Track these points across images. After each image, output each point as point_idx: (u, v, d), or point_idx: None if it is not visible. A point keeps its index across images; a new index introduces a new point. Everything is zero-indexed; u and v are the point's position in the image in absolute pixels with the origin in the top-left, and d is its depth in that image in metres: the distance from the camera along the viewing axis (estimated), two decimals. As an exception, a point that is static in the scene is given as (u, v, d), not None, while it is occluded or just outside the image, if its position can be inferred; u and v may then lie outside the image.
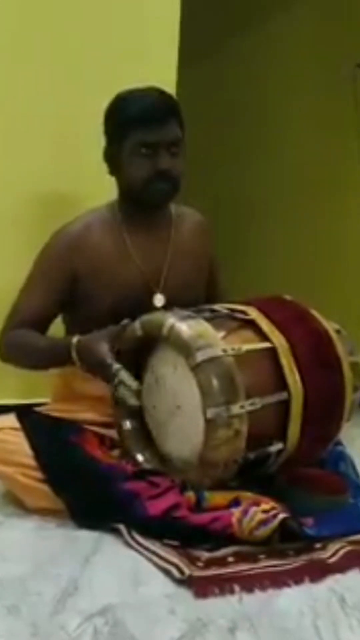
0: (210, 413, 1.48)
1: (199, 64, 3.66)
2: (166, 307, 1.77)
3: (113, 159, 1.81)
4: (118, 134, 1.78)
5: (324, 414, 1.62)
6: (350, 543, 1.48)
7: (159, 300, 1.82)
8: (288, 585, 1.34)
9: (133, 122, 1.74)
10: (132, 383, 1.62)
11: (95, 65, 2.16)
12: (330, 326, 1.69)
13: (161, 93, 1.79)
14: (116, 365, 1.63)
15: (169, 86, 2.14)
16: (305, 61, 3.37)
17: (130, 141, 1.76)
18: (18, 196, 2.16)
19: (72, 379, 1.82)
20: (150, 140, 1.74)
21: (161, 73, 2.13)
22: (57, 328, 1.91)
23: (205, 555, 1.44)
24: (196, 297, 1.86)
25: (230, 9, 3.58)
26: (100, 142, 1.82)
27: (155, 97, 1.77)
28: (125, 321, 1.69)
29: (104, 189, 1.88)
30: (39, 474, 1.63)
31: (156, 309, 1.78)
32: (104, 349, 1.66)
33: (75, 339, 1.70)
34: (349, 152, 3.14)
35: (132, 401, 1.62)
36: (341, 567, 1.40)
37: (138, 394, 1.63)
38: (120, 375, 1.62)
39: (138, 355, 1.70)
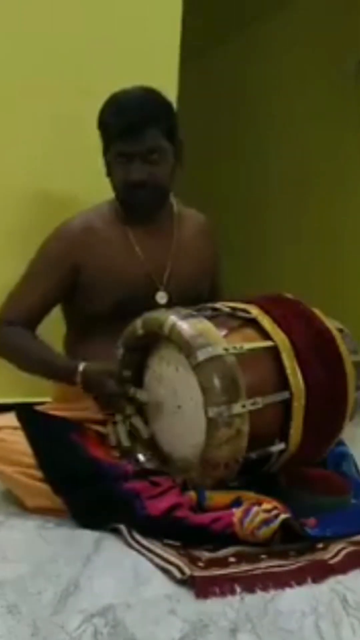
0: (212, 412, 1.47)
1: (202, 61, 3.66)
2: (169, 304, 1.77)
3: (105, 162, 1.82)
4: (103, 141, 1.80)
5: (326, 413, 1.62)
6: (352, 543, 1.47)
7: (161, 297, 1.82)
8: (290, 585, 1.33)
9: (111, 132, 1.76)
10: (144, 431, 1.67)
11: (96, 64, 2.15)
12: (332, 324, 1.69)
13: (146, 98, 1.77)
14: (129, 411, 1.67)
15: (170, 84, 2.14)
16: (309, 57, 3.38)
17: (111, 150, 1.78)
18: (15, 197, 2.15)
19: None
20: (123, 151, 1.75)
21: (162, 71, 2.13)
22: (57, 328, 1.90)
23: (206, 555, 1.43)
24: (199, 295, 1.86)
25: (233, 4, 3.58)
26: (96, 142, 1.82)
27: (135, 105, 1.74)
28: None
29: (102, 190, 1.87)
30: (39, 473, 1.62)
31: (158, 306, 1.78)
32: (113, 386, 1.66)
33: (81, 367, 1.69)
34: (353, 147, 3.14)
35: (145, 433, 1.68)
36: (343, 567, 1.39)
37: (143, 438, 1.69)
38: (133, 420, 1.67)
39: (139, 354, 1.69)
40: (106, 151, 1.80)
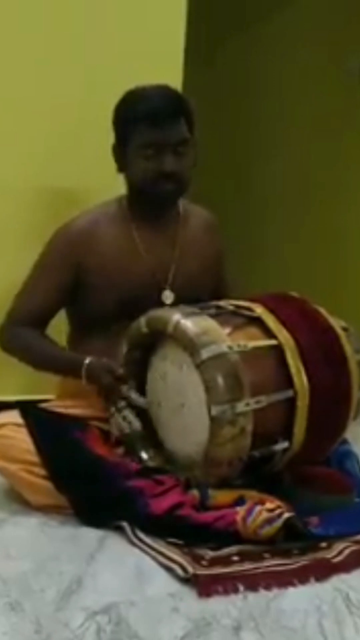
0: (215, 411, 1.47)
1: (204, 63, 3.66)
2: (175, 304, 1.77)
3: (120, 156, 1.80)
4: (124, 132, 1.78)
5: (330, 412, 1.61)
6: (356, 542, 1.47)
7: (167, 297, 1.81)
8: (293, 584, 1.33)
9: (138, 122, 1.73)
10: (135, 423, 1.67)
11: (99, 63, 2.15)
12: (337, 323, 1.68)
13: (169, 91, 1.78)
14: (121, 404, 1.67)
15: (174, 85, 2.13)
16: (312, 56, 3.37)
17: (135, 141, 1.75)
18: (19, 196, 2.15)
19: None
20: (154, 141, 1.73)
21: (166, 72, 2.11)
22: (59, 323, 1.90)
23: (210, 553, 1.43)
24: (203, 294, 1.85)
25: (233, 6, 3.57)
26: (102, 140, 1.81)
27: (162, 96, 1.75)
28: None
29: (106, 187, 1.87)
30: (42, 471, 1.62)
31: (164, 305, 1.77)
32: (108, 380, 1.67)
33: (87, 360, 1.70)
34: (355, 146, 3.14)
35: (136, 425, 1.67)
36: (346, 566, 1.39)
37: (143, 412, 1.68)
38: (124, 413, 1.67)
39: (143, 352, 1.69)
40: (125, 143, 1.77)
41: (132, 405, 1.68)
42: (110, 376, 1.68)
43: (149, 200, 1.81)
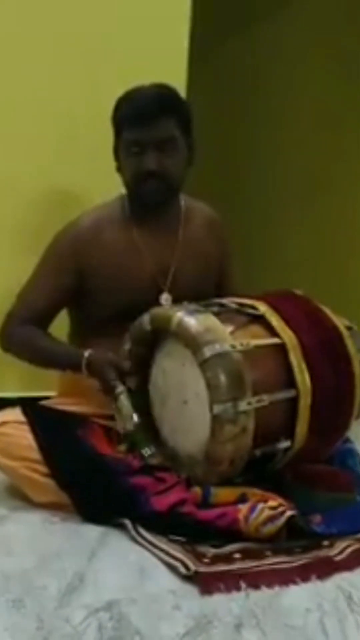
0: (217, 409, 1.47)
1: (208, 58, 3.66)
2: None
3: (115, 155, 1.81)
4: (116, 132, 1.79)
5: (333, 411, 1.61)
6: (358, 541, 1.48)
7: (165, 299, 1.80)
8: (295, 582, 1.33)
9: (124, 120, 1.75)
10: (129, 410, 1.63)
11: (103, 63, 2.15)
12: (340, 322, 1.68)
13: (161, 89, 1.76)
14: (119, 389, 1.63)
15: (179, 82, 2.13)
16: (312, 56, 3.37)
17: (123, 140, 1.76)
18: (24, 194, 2.15)
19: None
20: (136, 139, 1.73)
21: (170, 72, 2.11)
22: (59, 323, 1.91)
23: (212, 551, 1.44)
24: (203, 295, 1.83)
25: (235, 5, 3.58)
26: (105, 140, 1.80)
27: (150, 95, 1.74)
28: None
29: (111, 188, 1.87)
30: (43, 468, 1.62)
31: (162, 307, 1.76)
32: (111, 374, 1.65)
33: (87, 354, 1.69)
34: (357, 144, 3.14)
35: (128, 426, 1.63)
36: (348, 564, 1.40)
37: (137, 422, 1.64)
38: (119, 401, 1.63)
39: (146, 349, 1.69)
40: (118, 143, 1.79)
41: (132, 395, 1.65)
42: (114, 371, 1.66)
43: (139, 199, 1.80)
